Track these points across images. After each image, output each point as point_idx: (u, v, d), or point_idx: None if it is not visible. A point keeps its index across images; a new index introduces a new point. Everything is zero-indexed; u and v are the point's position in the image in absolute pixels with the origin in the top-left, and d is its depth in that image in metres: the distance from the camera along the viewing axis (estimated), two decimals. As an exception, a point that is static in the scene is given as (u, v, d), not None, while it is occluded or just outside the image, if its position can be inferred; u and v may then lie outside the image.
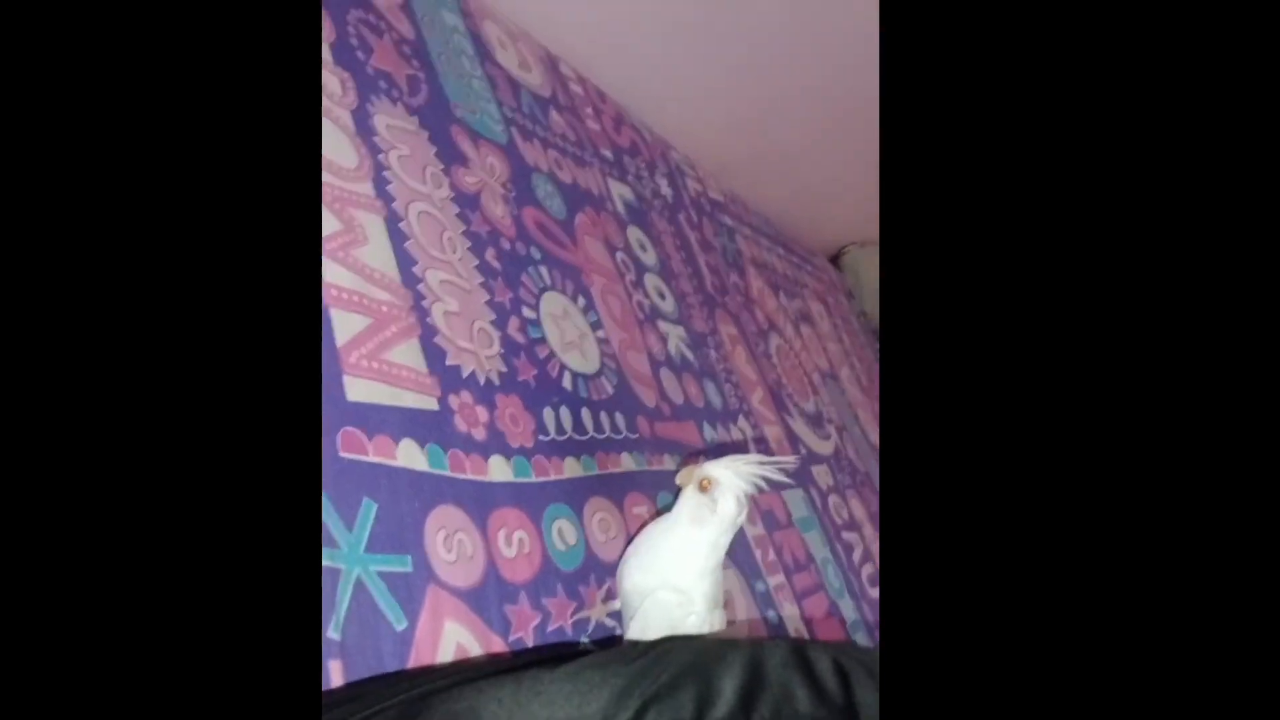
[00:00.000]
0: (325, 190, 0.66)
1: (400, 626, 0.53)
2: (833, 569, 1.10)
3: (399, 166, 0.76)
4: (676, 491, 0.71)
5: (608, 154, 1.24)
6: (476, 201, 0.86)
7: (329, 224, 0.64)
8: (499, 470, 0.67)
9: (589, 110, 1.27)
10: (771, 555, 0.98)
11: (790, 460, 1.13)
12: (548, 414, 0.77)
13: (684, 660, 0.49)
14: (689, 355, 1.10)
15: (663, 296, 1.13)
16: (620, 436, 0.85)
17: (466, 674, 0.50)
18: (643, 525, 0.74)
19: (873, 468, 1.49)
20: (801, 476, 1.19)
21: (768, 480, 0.69)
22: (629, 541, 0.73)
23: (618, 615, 0.70)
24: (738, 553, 0.91)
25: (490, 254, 0.83)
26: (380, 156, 0.75)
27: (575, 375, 0.84)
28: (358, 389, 0.59)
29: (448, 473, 0.62)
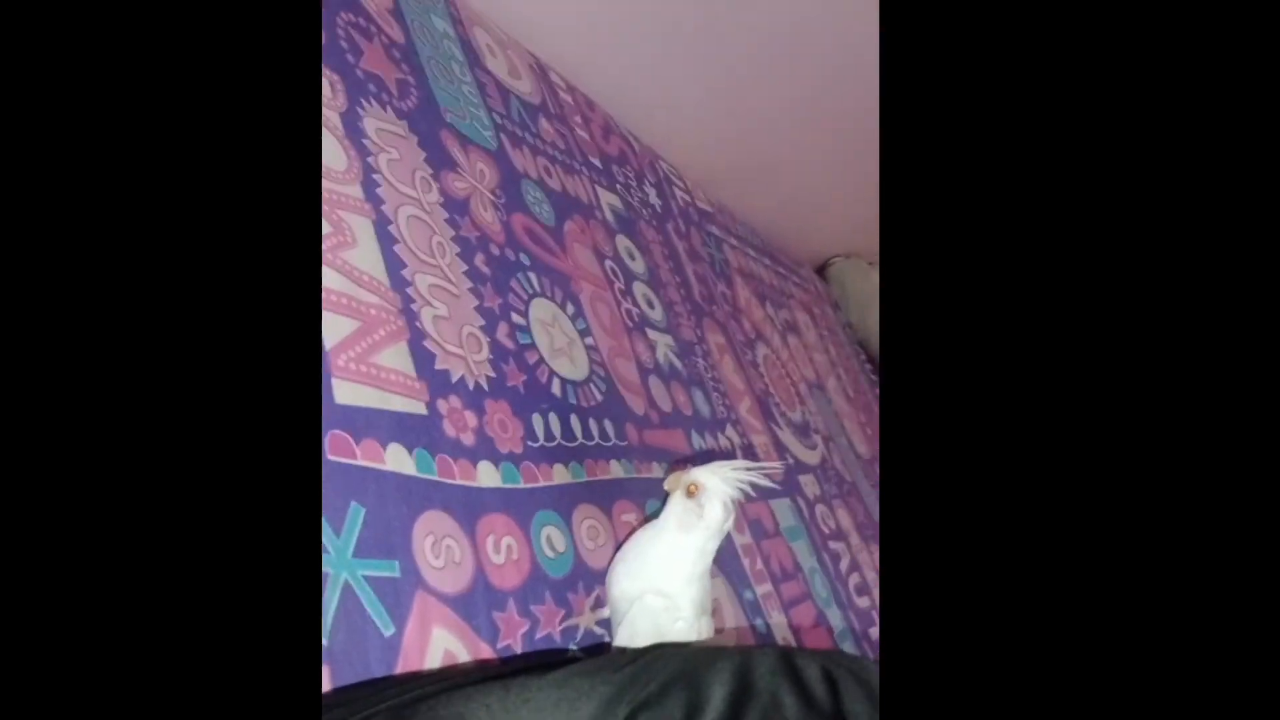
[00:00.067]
0: (314, 192, 0.65)
1: (388, 632, 0.52)
2: (820, 578, 1.10)
3: (388, 170, 0.76)
4: (665, 498, 0.70)
5: (596, 162, 1.24)
6: (466, 207, 0.85)
7: (318, 226, 0.64)
8: (488, 476, 0.67)
9: (578, 119, 1.28)
10: (759, 564, 0.98)
11: (776, 466, 1.14)
12: (536, 420, 0.76)
13: (673, 668, 0.49)
14: (677, 363, 1.10)
15: (651, 305, 1.13)
16: (609, 444, 0.84)
17: (454, 680, 0.49)
18: (631, 531, 0.74)
19: (859, 478, 1.49)
20: (789, 486, 1.19)
21: (755, 487, 0.69)
22: (617, 548, 0.73)
23: (607, 623, 0.70)
24: (726, 561, 0.91)
25: (479, 259, 0.82)
26: (370, 160, 0.74)
27: (564, 382, 0.84)
28: (346, 392, 0.58)
29: (436, 478, 0.62)
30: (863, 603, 1.19)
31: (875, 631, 1.17)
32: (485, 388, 0.72)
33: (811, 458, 1.35)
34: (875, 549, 1.35)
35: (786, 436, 1.30)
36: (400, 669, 0.52)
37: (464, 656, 0.57)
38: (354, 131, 0.74)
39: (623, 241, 1.17)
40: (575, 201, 1.10)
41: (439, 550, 0.59)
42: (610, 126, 1.38)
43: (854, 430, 1.65)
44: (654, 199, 1.38)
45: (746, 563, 0.95)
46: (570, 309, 0.93)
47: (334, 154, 0.70)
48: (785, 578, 1.02)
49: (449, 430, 0.66)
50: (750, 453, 1.13)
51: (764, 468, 0.69)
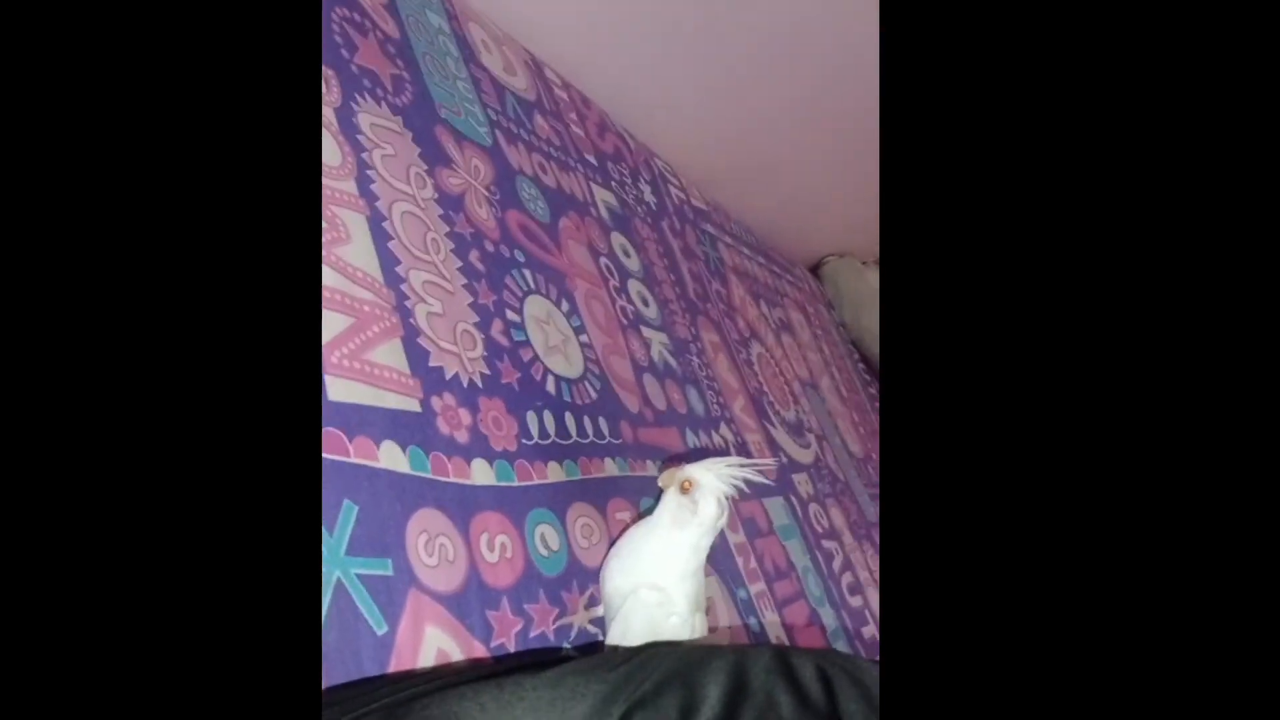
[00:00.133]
0: (308, 188, 0.65)
1: (381, 631, 0.52)
2: (813, 577, 1.10)
3: (383, 166, 0.76)
4: (658, 495, 0.70)
5: (591, 159, 1.24)
6: (460, 203, 0.85)
7: (312, 222, 0.63)
8: (481, 474, 0.67)
9: (573, 116, 1.27)
10: (753, 563, 0.98)
11: (770, 463, 1.14)
12: (531, 418, 0.76)
13: (668, 666, 0.49)
14: (672, 361, 1.10)
15: (646, 302, 1.13)
16: (603, 441, 0.84)
17: (448, 679, 0.49)
18: (625, 528, 0.73)
19: (852, 477, 1.50)
20: (782, 484, 1.19)
21: (749, 484, 0.69)
22: (611, 545, 0.73)
23: (600, 622, 0.69)
24: (720, 560, 0.91)
25: (474, 256, 0.82)
26: (364, 155, 0.74)
27: (559, 379, 0.83)
28: (339, 389, 0.58)
29: (430, 475, 0.62)
30: (855, 602, 1.19)
31: (868, 630, 1.17)
32: (479, 385, 0.72)
33: (805, 456, 1.35)
34: (868, 548, 1.35)
35: (780, 435, 1.30)
36: (393, 668, 0.52)
37: (457, 655, 0.57)
38: (348, 127, 0.74)
39: (618, 239, 1.17)
40: (570, 198, 1.10)
41: (432, 548, 0.59)
42: (605, 124, 1.37)
43: (847, 429, 1.65)
44: (649, 197, 1.38)
45: (740, 561, 0.95)
46: (565, 306, 0.93)
47: (328, 149, 0.70)
48: (779, 576, 1.02)
49: (443, 428, 0.65)
50: (744, 451, 1.13)
51: (758, 464, 0.69)
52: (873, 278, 2.26)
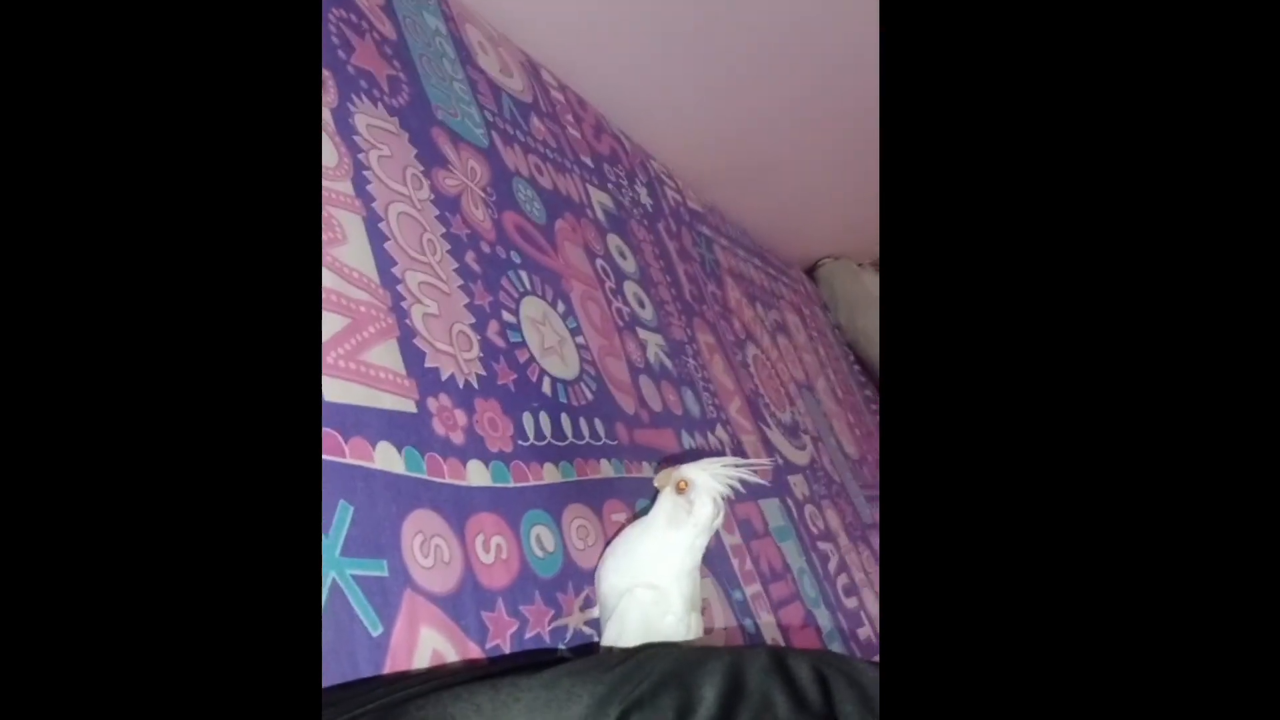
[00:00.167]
0: (304, 188, 0.65)
1: (376, 632, 0.52)
2: (808, 579, 1.11)
3: (379, 167, 0.75)
4: (654, 496, 0.70)
5: (588, 161, 1.24)
6: (457, 204, 0.85)
7: (307, 222, 0.63)
8: (477, 475, 0.66)
9: (569, 117, 1.27)
10: (749, 564, 0.98)
11: (766, 462, 1.14)
12: (527, 419, 0.76)
13: (665, 667, 0.48)
14: (668, 363, 1.10)
15: (642, 304, 1.13)
16: (599, 443, 0.84)
17: (443, 680, 0.49)
18: (620, 528, 0.73)
19: (848, 479, 1.50)
20: (778, 486, 1.19)
21: (744, 484, 0.69)
22: (607, 545, 0.73)
23: (596, 624, 0.69)
24: (715, 561, 0.91)
25: (470, 257, 0.82)
26: (360, 156, 0.74)
27: (555, 380, 0.83)
28: (334, 389, 0.57)
29: (425, 476, 0.61)
30: (851, 603, 1.19)
31: (863, 632, 1.17)
32: (475, 386, 0.72)
33: (800, 458, 1.35)
34: (863, 550, 1.35)
35: (776, 437, 1.30)
36: (388, 669, 0.52)
37: (452, 656, 0.57)
38: (345, 128, 0.74)
39: (614, 240, 1.17)
40: (566, 200, 1.10)
41: (428, 549, 0.58)
42: (601, 125, 1.37)
43: (842, 431, 1.65)
44: (645, 198, 1.38)
45: (736, 563, 0.95)
46: (561, 307, 0.93)
47: (325, 150, 0.70)
48: (774, 578, 1.02)
49: (438, 429, 0.65)
50: (740, 453, 1.13)
51: (753, 464, 0.69)
52: (868, 280, 2.27)
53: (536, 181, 1.05)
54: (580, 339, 0.93)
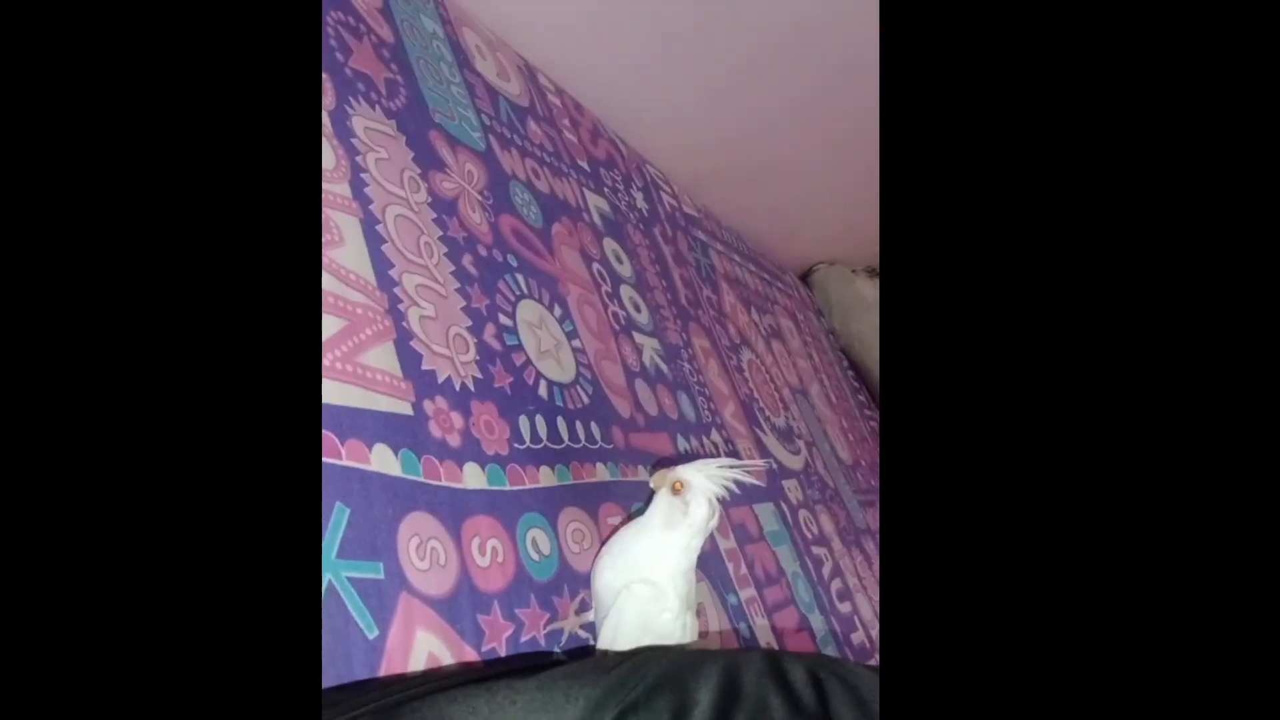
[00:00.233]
0: (302, 190, 0.65)
1: (371, 635, 0.52)
2: (803, 583, 1.11)
3: (376, 170, 0.76)
4: (649, 499, 0.70)
5: (584, 165, 1.24)
6: (454, 207, 0.85)
7: (305, 224, 0.63)
8: (473, 478, 0.66)
9: (566, 122, 1.28)
10: (743, 568, 0.98)
11: (761, 463, 1.14)
12: (523, 422, 0.76)
13: (660, 670, 0.49)
14: (663, 367, 1.10)
15: (638, 308, 1.13)
16: (595, 446, 0.84)
17: (439, 683, 0.49)
18: (615, 529, 0.73)
19: (841, 483, 1.50)
20: (772, 490, 1.19)
21: (739, 487, 0.69)
22: (602, 545, 0.73)
23: (591, 627, 0.69)
24: (710, 565, 0.91)
25: (467, 260, 0.82)
26: (358, 159, 0.74)
27: (551, 384, 0.84)
28: (332, 391, 0.57)
29: (422, 479, 0.61)
30: (844, 608, 1.19)
31: (857, 637, 1.17)
32: (472, 389, 0.72)
33: (795, 463, 1.35)
34: (857, 554, 1.35)
35: (770, 441, 1.30)
36: (384, 672, 0.52)
37: (448, 659, 0.57)
38: (342, 130, 0.74)
39: (610, 244, 1.17)
40: (563, 204, 1.10)
41: (424, 552, 0.58)
42: (598, 130, 1.38)
43: (836, 436, 1.65)
44: (641, 203, 1.38)
45: (730, 567, 0.95)
46: (557, 311, 0.93)
47: (323, 152, 0.70)
48: (769, 582, 1.02)
49: (435, 431, 0.65)
50: (734, 457, 1.14)
51: (748, 465, 0.69)
52: (862, 285, 2.28)
53: (533, 185, 1.05)
54: (576, 342, 0.93)
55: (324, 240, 0.64)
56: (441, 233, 0.81)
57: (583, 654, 0.68)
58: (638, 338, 1.08)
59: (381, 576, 0.54)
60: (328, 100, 0.74)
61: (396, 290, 0.69)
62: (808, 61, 1.52)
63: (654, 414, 1.00)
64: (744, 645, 0.88)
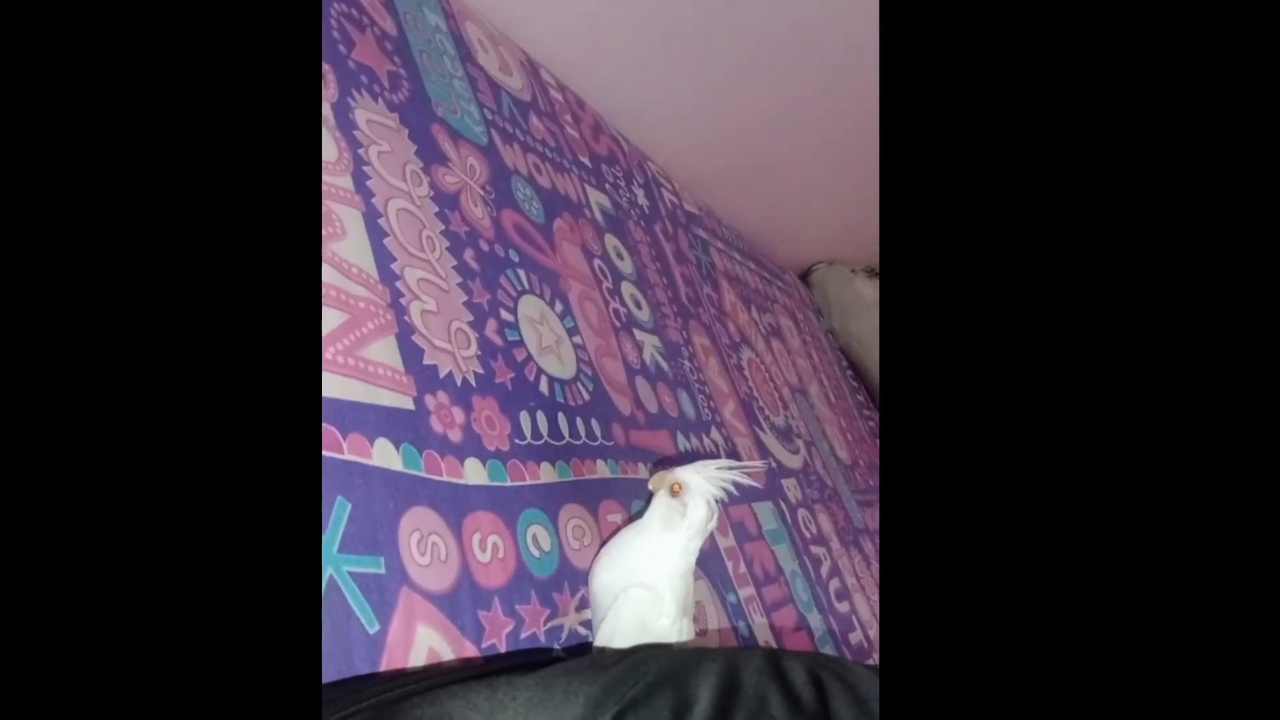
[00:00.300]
0: (304, 182, 0.64)
1: (372, 629, 0.52)
2: (801, 582, 1.11)
3: (379, 163, 0.75)
4: (649, 498, 0.70)
5: (586, 161, 1.24)
6: (456, 201, 0.85)
7: (307, 217, 0.63)
8: (475, 473, 0.66)
9: (568, 117, 1.27)
10: (742, 567, 0.98)
11: (759, 465, 1.14)
12: (524, 418, 0.76)
13: (660, 668, 0.48)
14: (664, 364, 1.10)
15: (639, 305, 1.13)
16: (596, 443, 0.84)
17: (439, 679, 0.49)
18: (615, 531, 0.73)
19: (840, 483, 1.50)
20: (771, 489, 1.19)
21: (738, 487, 0.69)
22: (601, 546, 0.73)
23: (591, 624, 0.69)
24: (709, 564, 0.91)
25: (469, 254, 0.82)
26: (360, 151, 0.73)
27: (552, 380, 0.83)
28: (333, 385, 0.57)
29: (423, 474, 0.61)
30: (843, 607, 1.19)
31: (854, 636, 1.17)
32: (473, 384, 0.72)
33: (794, 462, 1.35)
34: (855, 554, 1.35)
35: (769, 440, 1.30)
36: (384, 667, 0.51)
37: (448, 655, 0.56)
38: (345, 123, 0.73)
39: (611, 241, 1.17)
40: (565, 199, 1.10)
41: (425, 547, 0.58)
42: (600, 126, 1.37)
43: (835, 435, 1.65)
44: (642, 200, 1.38)
45: (729, 565, 0.95)
46: (559, 307, 0.93)
47: (325, 145, 0.70)
48: (767, 581, 1.02)
49: (436, 426, 0.65)
50: (734, 456, 1.14)
51: (747, 467, 0.69)
52: (861, 285, 2.28)
53: (535, 180, 1.04)
54: (577, 339, 0.93)
55: (326, 233, 0.64)
56: (443, 227, 0.80)
57: (583, 651, 0.68)
58: (638, 335, 1.08)
59: (383, 571, 0.54)
60: (330, 92, 0.74)
61: (398, 284, 0.69)
62: (808, 61, 1.52)
63: (654, 411, 0.99)
64: (743, 644, 0.88)
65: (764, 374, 1.47)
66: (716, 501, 0.68)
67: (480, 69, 1.07)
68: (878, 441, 1.89)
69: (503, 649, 0.61)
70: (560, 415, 0.81)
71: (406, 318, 0.68)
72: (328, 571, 0.50)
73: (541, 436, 0.77)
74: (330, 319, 0.60)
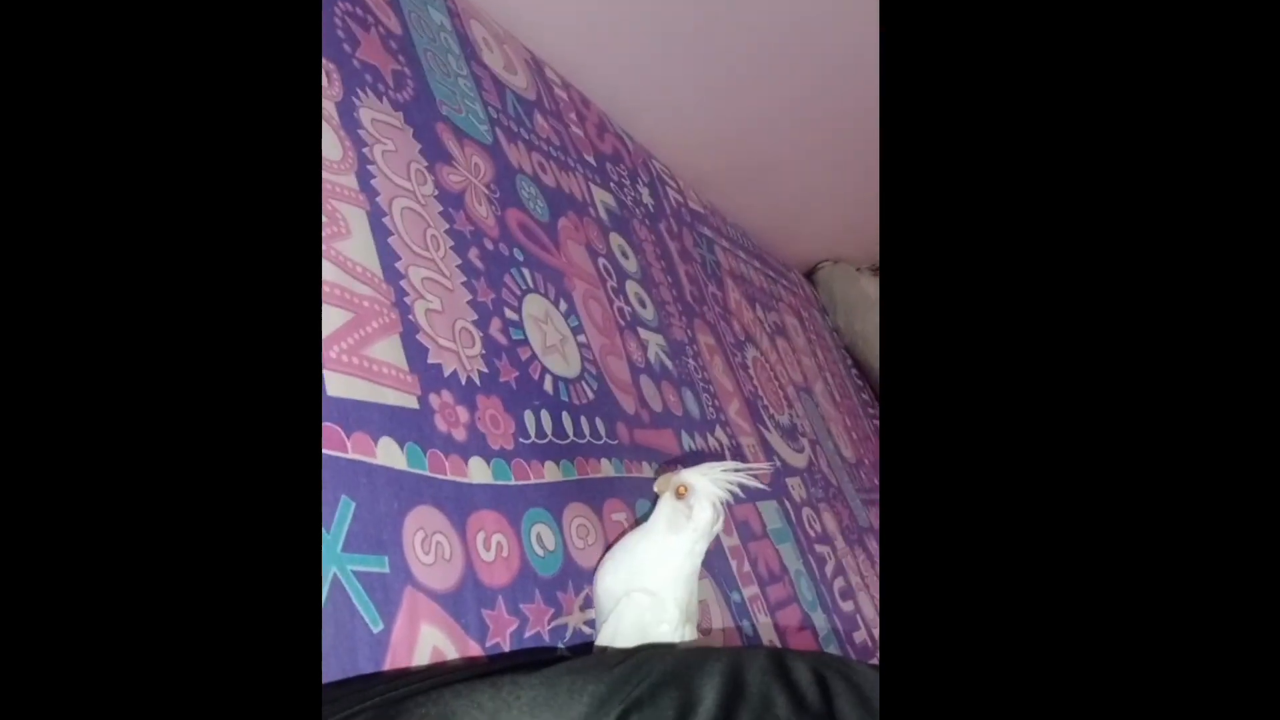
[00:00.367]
0: (309, 181, 0.65)
1: (376, 628, 0.52)
2: (805, 581, 1.10)
3: (383, 161, 0.75)
4: (655, 499, 0.70)
5: (590, 160, 1.24)
6: (460, 200, 0.85)
7: (312, 216, 0.63)
8: (479, 472, 0.66)
9: (573, 116, 1.27)
10: (746, 566, 0.98)
11: (765, 467, 1.14)
12: (528, 417, 0.76)
13: (665, 667, 0.48)
14: (668, 363, 1.10)
15: (643, 304, 1.13)
16: (600, 442, 0.84)
17: (443, 678, 0.49)
18: (622, 531, 0.73)
19: (844, 482, 1.50)
20: (776, 488, 1.19)
21: (744, 488, 0.69)
22: (607, 548, 0.73)
23: (595, 623, 0.69)
24: (714, 563, 0.90)
25: (473, 253, 0.82)
26: (365, 150, 0.73)
27: (556, 379, 0.83)
28: (337, 384, 0.57)
29: (427, 473, 0.61)
30: (847, 607, 1.19)
31: (859, 636, 1.17)
32: (477, 383, 0.72)
33: (798, 461, 1.35)
34: (860, 553, 1.35)
35: (774, 439, 1.30)
36: (388, 665, 0.51)
37: (452, 654, 0.56)
38: (349, 121, 0.74)
39: (616, 240, 1.16)
40: (569, 198, 1.09)
41: (429, 546, 0.58)
42: (604, 125, 1.37)
43: (840, 434, 1.65)
44: (647, 198, 1.38)
45: (734, 564, 0.95)
46: (563, 306, 0.93)
47: (329, 144, 0.70)
48: (772, 580, 1.02)
49: (441, 425, 0.65)
50: (739, 454, 1.13)
51: (753, 469, 0.69)
52: (866, 284, 2.27)
53: (540, 179, 1.04)
54: (582, 338, 0.93)
55: (330, 232, 0.64)
56: (448, 226, 0.80)
57: (587, 650, 0.68)
58: (643, 333, 1.07)
59: (387, 570, 0.54)
60: (335, 91, 0.74)
61: (403, 283, 0.69)
62: (808, 61, 1.52)
63: (659, 410, 0.99)
64: (747, 643, 0.88)
65: (769, 372, 1.47)
66: (722, 503, 0.68)
67: (485, 67, 1.07)
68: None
69: (507, 648, 0.61)
70: (565, 414, 0.81)
71: (411, 317, 0.68)
72: (332, 571, 0.50)
73: (546, 435, 0.77)
74: (334, 318, 0.60)
